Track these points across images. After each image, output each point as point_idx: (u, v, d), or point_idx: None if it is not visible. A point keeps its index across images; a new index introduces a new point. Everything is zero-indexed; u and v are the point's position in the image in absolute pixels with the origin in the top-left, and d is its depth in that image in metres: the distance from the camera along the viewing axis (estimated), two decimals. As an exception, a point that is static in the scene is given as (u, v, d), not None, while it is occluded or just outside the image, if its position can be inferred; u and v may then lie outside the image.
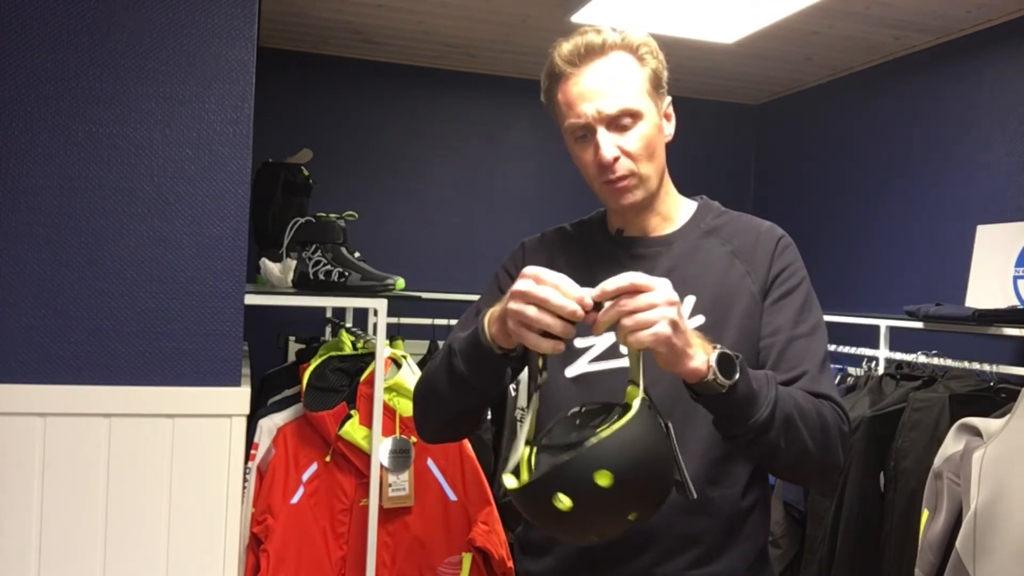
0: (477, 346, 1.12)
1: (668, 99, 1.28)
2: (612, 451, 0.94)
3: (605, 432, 0.95)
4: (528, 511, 1.01)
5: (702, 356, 1.02)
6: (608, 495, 0.93)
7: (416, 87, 3.59)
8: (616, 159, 1.20)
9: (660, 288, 0.99)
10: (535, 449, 1.07)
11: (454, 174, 3.66)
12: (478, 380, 1.16)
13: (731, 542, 1.21)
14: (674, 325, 0.98)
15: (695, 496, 1.01)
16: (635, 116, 1.20)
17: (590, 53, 1.21)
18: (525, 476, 1.04)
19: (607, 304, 0.99)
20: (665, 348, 0.99)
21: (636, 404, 0.98)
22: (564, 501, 0.94)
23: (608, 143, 1.19)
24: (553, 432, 1.09)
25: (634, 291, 0.99)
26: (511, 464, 1.05)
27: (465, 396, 1.19)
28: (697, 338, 1.04)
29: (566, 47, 1.23)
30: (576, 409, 1.10)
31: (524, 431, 1.07)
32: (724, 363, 1.02)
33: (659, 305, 0.98)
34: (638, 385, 1.03)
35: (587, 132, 1.21)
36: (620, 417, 0.99)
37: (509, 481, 1.01)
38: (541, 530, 1.03)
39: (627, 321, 0.98)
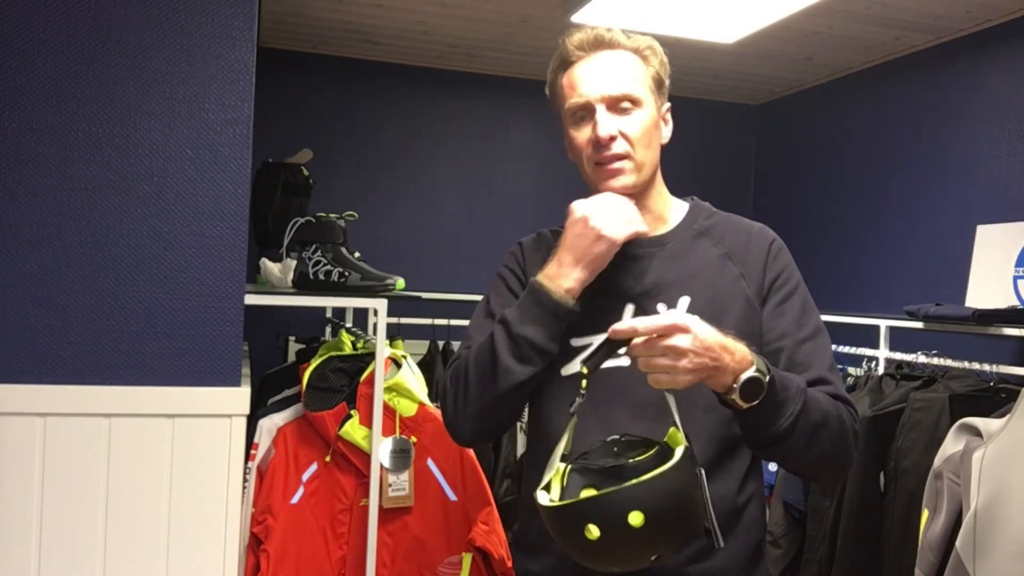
0: (547, 306, 1.17)
1: (668, 104, 1.31)
2: (651, 494, 0.96)
3: (647, 475, 0.97)
4: (556, 532, 1.02)
5: (730, 377, 1.05)
6: (637, 535, 0.96)
7: (416, 87, 3.59)
8: (613, 138, 1.22)
9: (680, 330, 1.01)
10: (569, 467, 1.10)
11: (454, 174, 3.66)
12: (546, 340, 1.18)
13: (729, 537, 1.21)
14: (689, 371, 1.01)
15: (722, 545, 1.05)
16: (636, 103, 1.23)
17: (599, 44, 1.25)
18: (557, 491, 1.07)
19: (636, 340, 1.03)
20: (684, 387, 1.03)
21: (679, 453, 1.00)
22: (593, 531, 0.96)
23: (607, 121, 1.22)
24: (590, 455, 1.12)
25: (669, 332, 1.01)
26: (545, 480, 1.07)
27: (521, 369, 1.18)
28: (731, 353, 1.05)
29: (577, 35, 1.26)
30: (615, 437, 1.14)
31: (559, 450, 1.10)
32: (748, 387, 1.05)
33: (674, 352, 1.01)
34: (679, 429, 1.06)
35: (587, 112, 1.24)
36: (659, 458, 1.02)
37: (542, 498, 1.03)
38: (565, 552, 1.04)
39: (641, 365, 1.02)
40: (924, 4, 2.64)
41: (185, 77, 1.78)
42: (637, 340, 1.03)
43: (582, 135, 1.25)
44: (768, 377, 1.06)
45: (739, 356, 1.06)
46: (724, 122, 3.99)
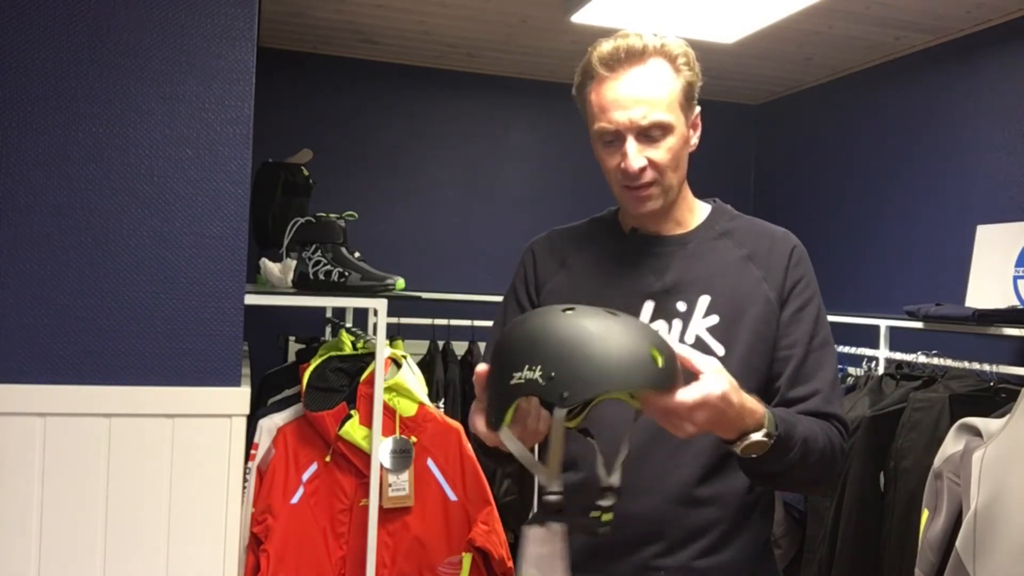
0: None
1: (697, 109, 1.29)
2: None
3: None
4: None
5: (736, 434, 1.05)
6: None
7: (416, 87, 3.59)
8: (643, 169, 1.21)
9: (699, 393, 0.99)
10: None
11: (454, 174, 3.65)
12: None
13: (736, 534, 1.23)
14: (699, 425, 1.00)
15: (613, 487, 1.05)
16: (665, 129, 1.21)
17: (630, 58, 1.21)
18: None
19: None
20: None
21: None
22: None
23: (636, 154, 1.20)
24: None
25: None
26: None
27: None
28: (750, 414, 1.05)
29: (606, 48, 1.22)
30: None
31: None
32: (751, 448, 1.06)
33: (689, 410, 0.99)
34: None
35: (616, 138, 1.22)
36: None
37: None
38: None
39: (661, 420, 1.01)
40: (924, 4, 2.64)
41: (185, 77, 1.78)
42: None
43: (611, 160, 1.24)
44: (773, 440, 1.07)
45: (756, 418, 1.06)
46: (724, 122, 3.99)
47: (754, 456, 1.07)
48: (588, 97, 1.25)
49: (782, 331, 1.24)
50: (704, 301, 1.24)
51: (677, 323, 1.24)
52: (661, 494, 1.20)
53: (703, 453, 1.20)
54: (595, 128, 1.24)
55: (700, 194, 1.39)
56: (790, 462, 1.10)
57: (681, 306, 1.25)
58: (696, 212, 1.34)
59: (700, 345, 1.22)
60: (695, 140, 1.29)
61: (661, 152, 1.21)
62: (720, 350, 1.22)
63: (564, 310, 0.97)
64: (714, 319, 1.23)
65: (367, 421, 2.05)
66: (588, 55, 1.24)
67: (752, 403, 1.06)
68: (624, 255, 1.30)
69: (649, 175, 1.22)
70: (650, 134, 1.20)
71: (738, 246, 1.29)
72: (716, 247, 1.29)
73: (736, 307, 1.24)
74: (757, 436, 1.05)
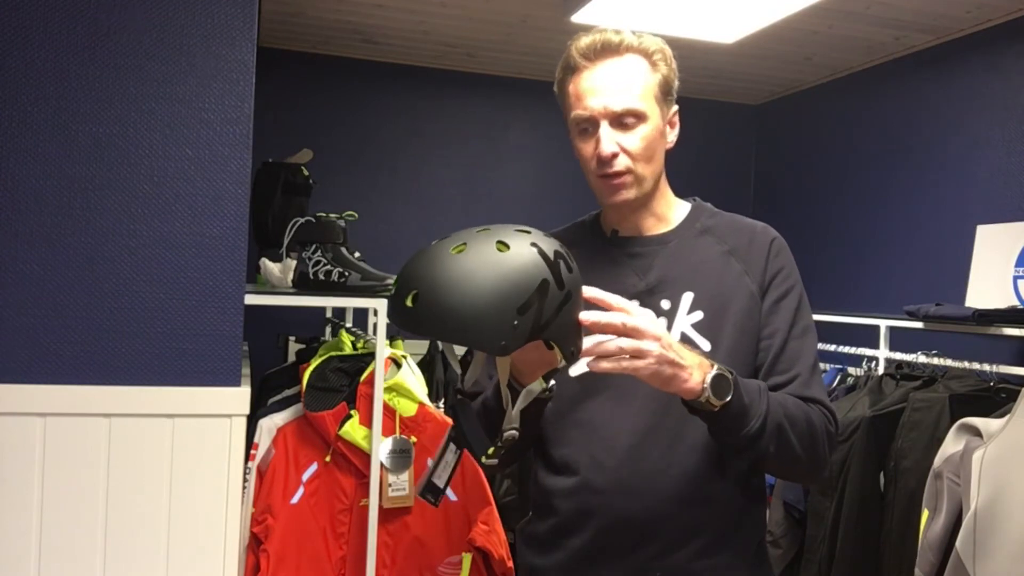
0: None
1: (675, 107, 1.31)
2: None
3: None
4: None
5: (698, 377, 1.06)
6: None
7: (416, 87, 3.59)
8: (615, 155, 1.23)
9: (645, 324, 1.04)
10: None
11: (454, 174, 3.65)
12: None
13: (732, 534, 1.24)
14: (659, 363, 1.03)
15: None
16: (639, 117, 1.23)
17: (606, 50, 1.24)
18: None
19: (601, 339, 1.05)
20: (654, 382, 1.05)
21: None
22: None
23: (609, 138, 1.22)
24: None
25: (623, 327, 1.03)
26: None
27: None
28: (694, 357, 1.08)
29: (584, 41, 1.25)
30: None
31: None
32: (719, 384, 1.07)
33: (646, 344, 1.03)
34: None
35: (591, 125, 1.24)
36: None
37: None
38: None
39: (607, 363, 1.04)
40: (924, 4, 2.64)
41: (185, 77, 1.78)
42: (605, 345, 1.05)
43: (586, 148, 1.26)
44: (733, 375, 1.09)
45: (699, 360, 1.08)
46: (724, 122, 3.99)
47: (728, 402, 1.07)
48: (567, 89, 1.28)
49: (763, 321, 1.26)
50: (688, 298, 1.25)
51: (662, 321, 1.25)
52: (656, 494, 1.20)
53: (696, 451, 1.20)
54: (572, 116, 1.27)
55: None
56: (762, 416, 1.11)
57: (665, 304, 1.26)
58: (676, 210, 1.35)
59: (686, 341, 1.23)
60: (672, 137, 1.31)
61: (634, 140, 1.23)
62: (706, 345, 1.23)
63: (454, 249, 1.03)
64: (698, 315, 1.24)
65: (367, 421, 2.05)
66: (567, 49, 1.27)
67: (688, 349, 1.09)
68: (606, 257, 1.31)
69: (621, 162, 1.23)
70: (623, 121, 1.23)
71: (719, 242, 1.30)
72: (697, 244, 1.30)
73: (720, 302, 1.25)
74: (713, 372, 1.07)
